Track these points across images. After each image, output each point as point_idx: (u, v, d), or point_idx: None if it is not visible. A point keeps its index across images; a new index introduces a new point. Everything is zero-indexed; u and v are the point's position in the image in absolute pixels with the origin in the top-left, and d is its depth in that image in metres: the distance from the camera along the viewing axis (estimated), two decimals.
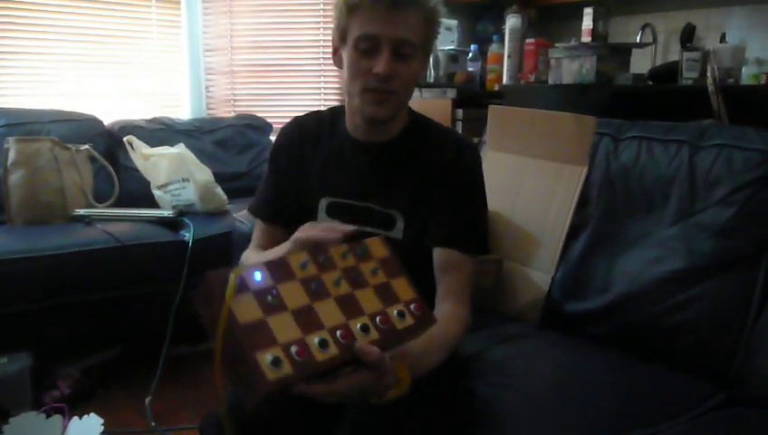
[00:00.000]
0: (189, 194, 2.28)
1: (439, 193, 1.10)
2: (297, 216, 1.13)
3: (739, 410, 1.05)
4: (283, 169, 1.18)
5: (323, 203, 1.12)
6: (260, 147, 2.85)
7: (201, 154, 2.47)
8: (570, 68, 2.29)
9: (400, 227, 1.09)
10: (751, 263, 1.15)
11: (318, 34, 3.01)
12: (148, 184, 2.35)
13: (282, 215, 1.18)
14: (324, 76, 3.05)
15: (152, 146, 2.37)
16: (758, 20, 2.34)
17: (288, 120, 1.22)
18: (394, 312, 0.85)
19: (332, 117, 1.17)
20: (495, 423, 0.97)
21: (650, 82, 2.27)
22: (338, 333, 0.77)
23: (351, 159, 1.12)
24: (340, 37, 1.04)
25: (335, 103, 3.01)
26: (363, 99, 1.04)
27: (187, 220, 2.16)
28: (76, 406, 1.73)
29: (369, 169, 1.12)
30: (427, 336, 0.91)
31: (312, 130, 1.17)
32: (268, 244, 1.19)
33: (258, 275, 0.77)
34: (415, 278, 1.06)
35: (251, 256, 1.16)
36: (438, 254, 1.10)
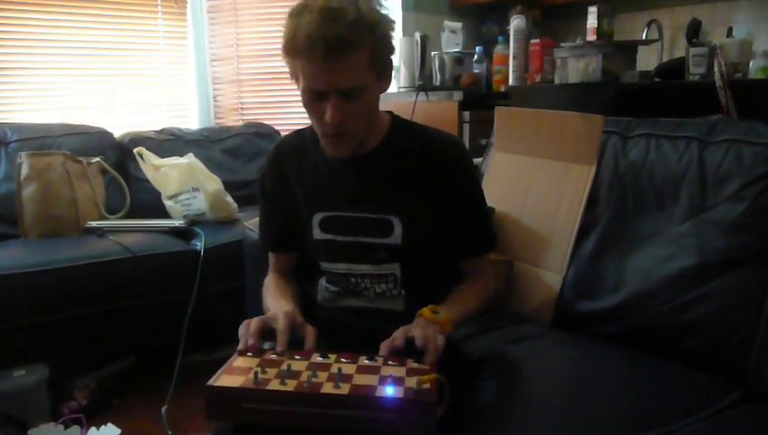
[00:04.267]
0: (200, 203, 2.30)
1: (444, 200, 1.11)
2: (295, 237, 1.18)
3: (755, 407, 1.04)
4: (269, 196, 1.20)
5: (317, 219, 1.13)
6: None
7: (210, 163, 2.49)
8: (575, 67, 2.29)
9: (398, 232, 1.09)
10: (764, 258, 1.14)
11: None
12: (158, 195, 2.37)
13: (282, 241, 1.22)
14: None
15: (162, 157, 2.39)
16: (765, 13, 2.32)
17: (289, 132, 1.24)
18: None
19: (314, 133, 1.15)
20: (508, 424, 0.97)
21: (657, 79, 2.27)
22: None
23: (337, 171, 1.12)
24: (291, 74, 1.02)
25: None
26: (323, 140, 1.06)
27: (198, 229, 2.18)
28: (93, 416, 1.75)
29: (356, 180, 1.12)
30: (455, 298, 1.10)
31: (294, 150, 1.17)
32: (283, 269, 1.24)
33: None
34: (413, 278, 1.11)
35: (269, 290, 1.18)
36: (460, 262, 1.18)
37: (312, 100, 1.00)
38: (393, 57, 1.05)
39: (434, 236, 1.12)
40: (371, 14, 0.97)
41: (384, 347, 0.94)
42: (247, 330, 0.96)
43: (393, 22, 1.03)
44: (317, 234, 1.13)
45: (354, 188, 1.11)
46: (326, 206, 1.12)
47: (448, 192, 1.10)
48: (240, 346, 0.94)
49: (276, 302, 1.11)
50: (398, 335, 0.95)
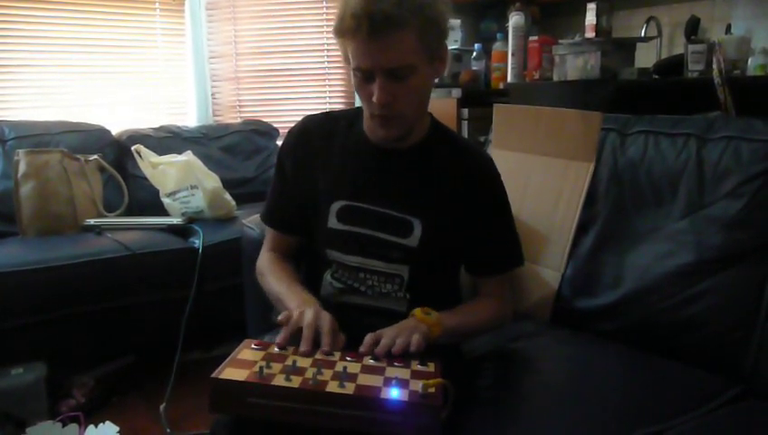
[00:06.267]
0: (198, 201, 2.29)
1: (469, 213, 1.10)
2: (306, 221, 1.15)
3: (753, 403, 1.04)
4: (288, 173, 1.16)
5: (335, 207, 1.10)
6: (267, 152, 2.86)
7: (209, 161, 2.49)
8: (574, 64, 2.28)
9: (417, 234, 1.08)
10: (762, 254, 1.14)
11: (321, 38, 3.01)
12: (156, 192, 2.36)
13: (290, 222, 1.18)
14: (329, 80, 3.06)
15: (160, 154, 2.38)
16: (764, 10, 2.32)
17: (316, 113, 1.20)
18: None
19: (348, 117, 1.15)
20: (507, 421, 0.97)
21: (656, 76, 2.26)
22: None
23: (369, 162, 1.10)
24: (344, 55, 1.02)
25: (341, 106, 3.03)
26: (371, 121, 1.06)
27: (196, 227, 2.17)
28: (91, 414, 1.75)
29: (387, 173, 1.10)
30: (456, 309, 1.09)
31: (321, 130, 1.15)
32: (282, 250, 1.20)
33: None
34: (419, 284, 1.10)
35: (272, 273, 1.15)
36: (481, 281, 1.17)
37: (362, 80, 0.99)
38: (447, 41, 1.04)
39: (450, 247, 1.12)
40: None
41: (365, 346, 0.94)
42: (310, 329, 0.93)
43: (448, 3, 1.01)
44: (332, 222, 1.10)
45: (382, 182, 1.10)
46: (349, 195, 1.10)
47: (476, 208, 1.10)
48: (280, 340, 0.93)
49: (291, 290, 1.07)
50: (367, 341, 0.93)
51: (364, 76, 0.98)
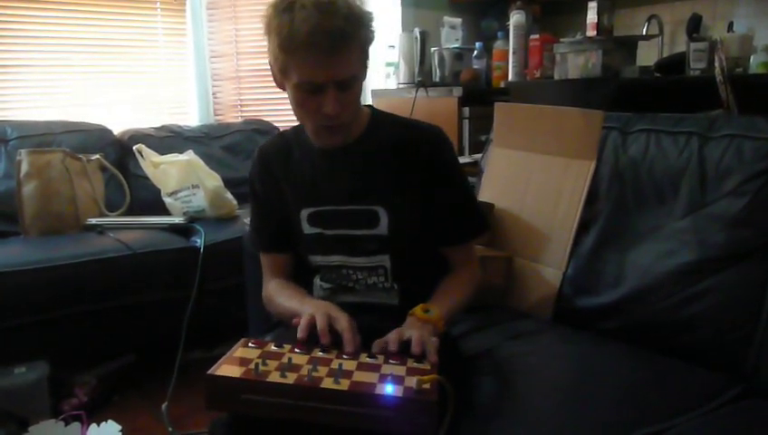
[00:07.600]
0: (199, 200, 2.30)
1: (426, 188, 1.11)
2: (288, 236, 1.19)
3: (755, 402, 1.04)
4: (260, 197, 1.21)
5: (304, 214, 1.14)
6: None
7: (210, 160, 2.49)
8: (575, 63, 2.28)
9: (384, 222, 1.10)
10: (764, 253, 1.13)
11: None
12: (158, 192, 2.37)
13: (277, 241, 1.21)
14: None
15: (161, 154, 2.39)
16: (766, 7, 2.31)
17: (269, 138, 1.26)
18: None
19: (296, 133, 1.18)
20: (507, 419, 0.97)
21: (657, 75, 2.26)
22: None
23: (320, 167, 1.14)
24: (280, 71, 1.02)
25: None
26: (316, 133, 1.07)
27: (197, 226, 2.18)
28: (94, 413, 1.75)
29: (339, 172, 1.13)
30: (443, 292, 1.11)
31: (277, 151, 1.19)
32: (282, 272, 1.23)
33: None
34: (402, 269, 1.13)
35: (282, 293, 1.16)
36: (447, 250, 1.18)
37: (308, 94, 1.00)
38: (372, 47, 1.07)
39: (420, 226, 1.13)
40: (358, 7, 0.99)
41: (376, 346, 0.94)
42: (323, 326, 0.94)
43: (372, 13, 1.05)
44: (306, 229, 1.14)
45: (337, 182, 1.12)
46: (313, 201, 1.14)
47: (430, 180, 1.11)
48: (301, 333, 0.94)
49: (304, 300, 1.09)
50: (393, 339, 0.94)
51: (312, 90, 0.99)
